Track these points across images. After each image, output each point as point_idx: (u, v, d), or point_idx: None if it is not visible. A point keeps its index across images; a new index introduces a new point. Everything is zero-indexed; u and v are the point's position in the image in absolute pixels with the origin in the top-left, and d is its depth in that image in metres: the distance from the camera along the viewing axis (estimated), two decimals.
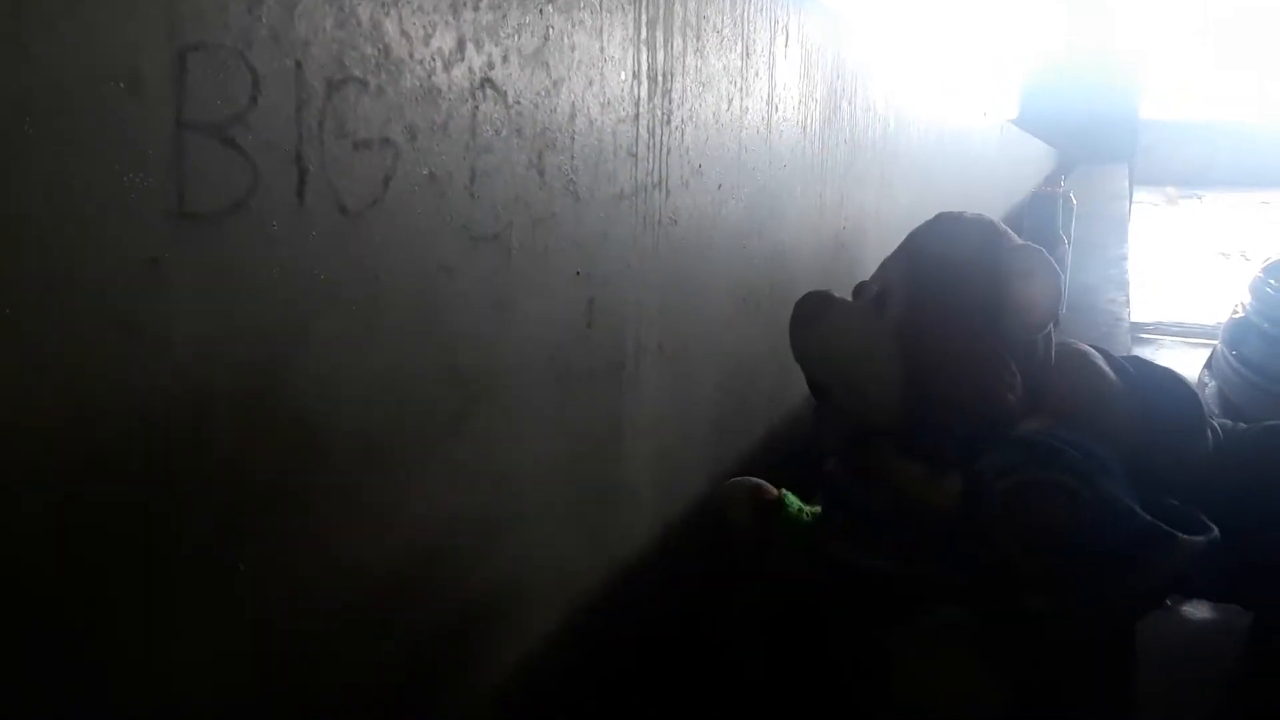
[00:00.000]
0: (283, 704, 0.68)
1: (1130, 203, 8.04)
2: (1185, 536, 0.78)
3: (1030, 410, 0.85)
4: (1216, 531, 0.81)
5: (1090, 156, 9.05)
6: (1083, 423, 0.84)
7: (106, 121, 0.50)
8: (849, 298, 0.98)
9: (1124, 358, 0.91)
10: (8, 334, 0.47)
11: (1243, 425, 0.99)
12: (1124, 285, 3.25)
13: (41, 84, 0.47)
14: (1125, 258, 3.93)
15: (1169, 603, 0.98)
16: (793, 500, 1.02)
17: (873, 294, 0.93)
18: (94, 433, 0.52)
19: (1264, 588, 0.96)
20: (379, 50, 0.67)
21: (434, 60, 0.73)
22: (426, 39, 0.72)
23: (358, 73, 0.66)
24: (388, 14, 0.68)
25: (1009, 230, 0.90)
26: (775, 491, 1.05)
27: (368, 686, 0.77)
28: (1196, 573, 0.79)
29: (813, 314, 0.94)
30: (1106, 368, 0.88)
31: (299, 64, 0.61)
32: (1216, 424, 0.97)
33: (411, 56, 0.70)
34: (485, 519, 0.88)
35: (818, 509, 0.99)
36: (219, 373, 0.59)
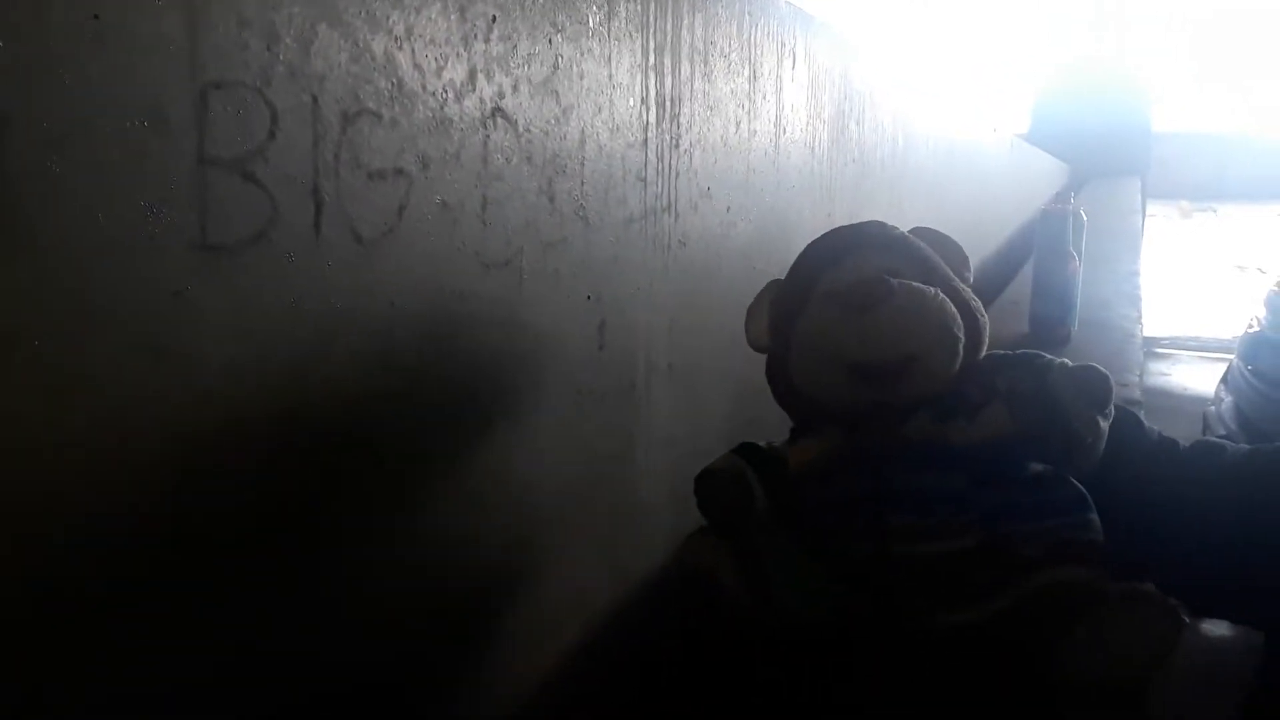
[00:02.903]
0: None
1: (1143, 217, 8.02)
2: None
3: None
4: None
5: (1102, 171, 9.03)
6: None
7: (131, 158, 0.52)
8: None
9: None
10: (37, 362, 0.49)
11: (1245, 447, 0.99)
12: (1136, 301, 3.24)
13: (70, 122, 0.49)
14: (1138, 273, 3.92)
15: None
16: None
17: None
18: (126, 453, 0.54)
19: (1274, 609, 0.96)
20: (393, 83, 0.69)
21: (446, 91, 0.75)
22: (439, 71, 0.74)
23: (372, 105, 0.68)
24: (401, 48, 0.70)
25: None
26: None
27: (382, 705, 0.78)
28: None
29: (883, 296, 0.90)
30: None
31: (315, 99, 0.63)
32: (1223, 443, 0.97)
33: (424, 88, 0.73)
34: (501, 536, 0.90)
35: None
36: (243, 396, 0.60)
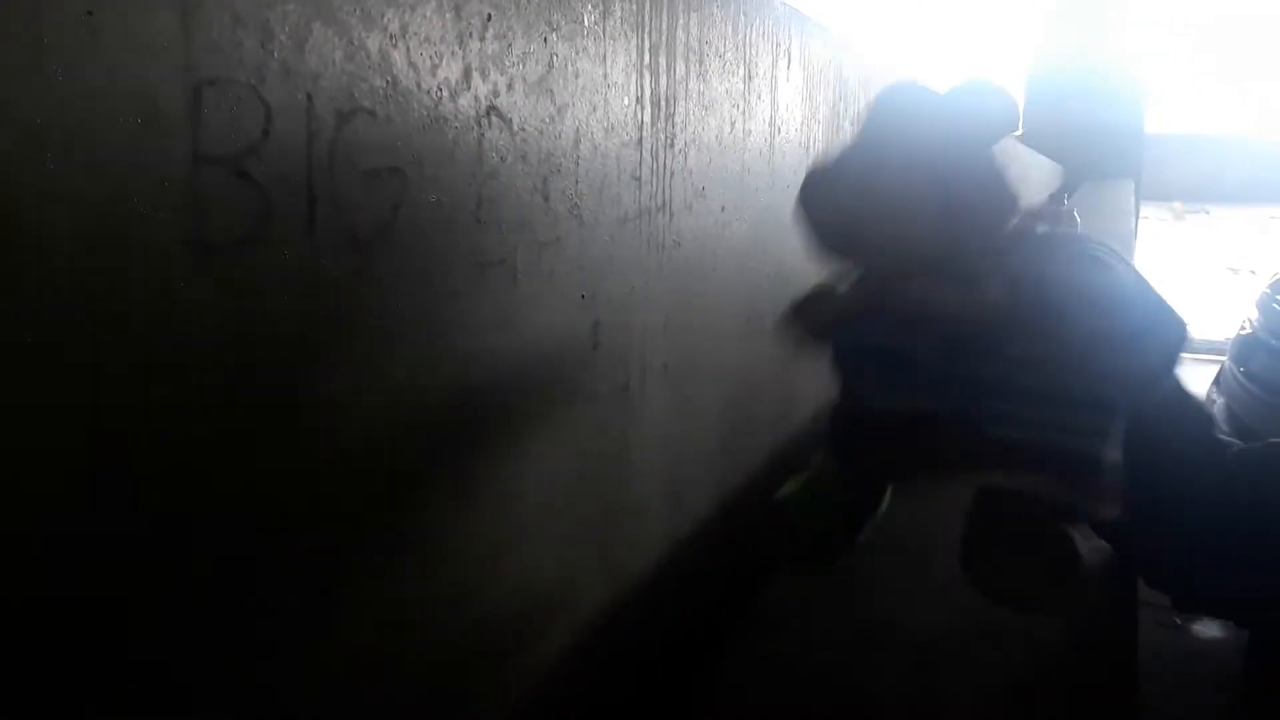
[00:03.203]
0: None
1: (1137, 219, 8.03)
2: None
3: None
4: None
5: (1096, 172, 9.05)
6: None
7: (125, 155, 0.52)
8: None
9: None
10: (29, 360, 0.48)
11: (1239, 444, 1.00)
12: None
13: (64, 119, 0.49)
14: None
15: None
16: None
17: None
18: (118, 450, 0.53)
19: (1262, 607, 0.96)
20: (387, 81, 0.69)
21: (441, 90, 0.75)
22: (434, 69, 0.74)
23: (367, 104, 0.68)
24: (396, 46, 0.70)
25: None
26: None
27: (370, 704, 0.78)
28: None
29: (835, 172, 0.87)
30: None
31: (310, 96, 0.63)
32: (1225, 439, 0.97)
33: (419, 87, 0.72)
34: (494, 536, 0.90)
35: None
36: (234, 395, 0.60)
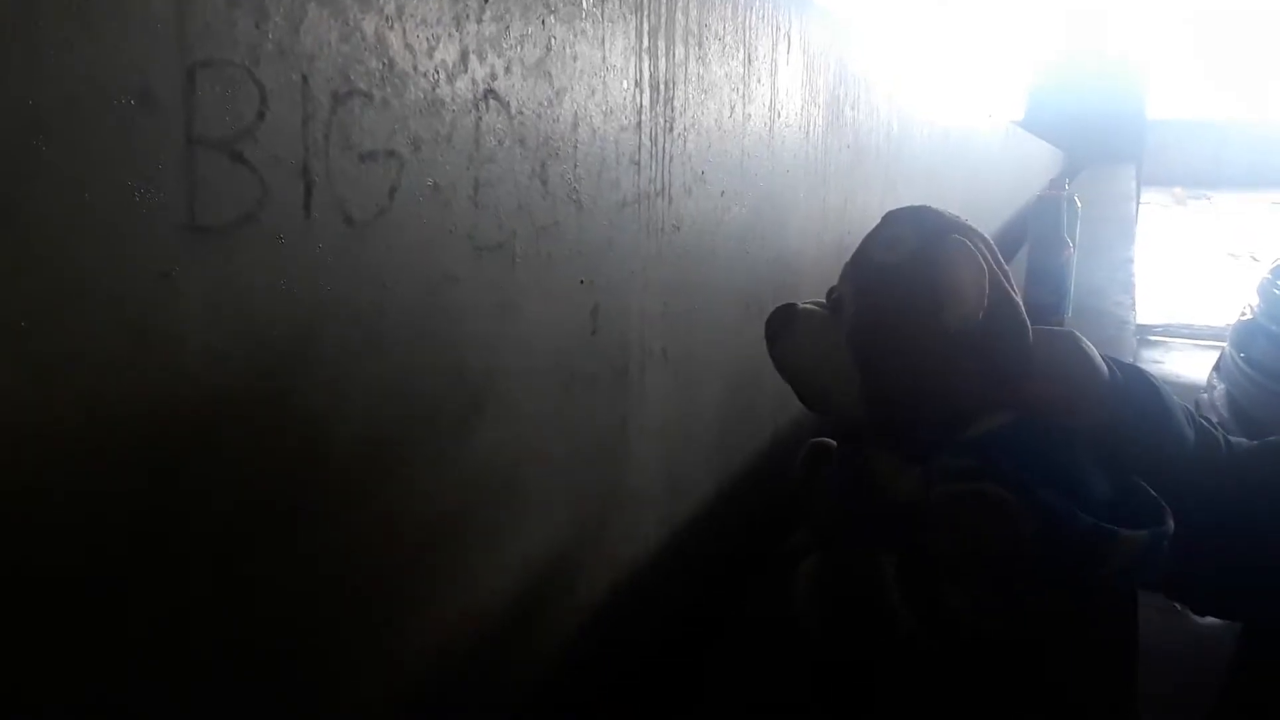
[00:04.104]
0: (285, 708, 0.69)
1: (1137, 204, 8.03)
2: (1127, 533, 0.77)
3: (1001, 401, 0.84)
4: (1170, 525, 0.80)
5: (1097, 157, 9.04)
6: (1060, 410, 0.84)
7: (119, 137, 0.51)
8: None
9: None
10: (22, 344, 0.48)
11: (1245, 441, 1.00)
12: (1130, 288, 3.24)
13: (56, 101, 0.48)
14: (1132, 260, 3.93)
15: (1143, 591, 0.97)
16: None
17: (831, 301, 0.94)
18: (111, 436, 0.53)
19: (1253, 600, 0.96)
20: (384, 64, 0.69)
21: (438, 72, 0.74)
22: (430, 51, 0.73)
23: (363, 86, 0.67)
24: (392, 28, 0.69)
25: (954, 218, 0.89)
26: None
27: (370, 693, 0.78)
28: (1151, 566, 0.79)
29: (779, 327, 0.96)
30: (1096, 354, 0.89)
31: (305, 78, 0.62)
32: (1220, 435, 0.97)
33: (415, 69, 0.72)
34: (491, 521, 0.90)
35: None
36: (230, 379, 0.60)
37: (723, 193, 1.32)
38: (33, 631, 0.51)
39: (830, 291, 0.98)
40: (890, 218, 0.93)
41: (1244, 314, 3.47)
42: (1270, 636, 1.03)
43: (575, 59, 0.92)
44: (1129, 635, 0.98)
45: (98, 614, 0.55)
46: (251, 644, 0.65)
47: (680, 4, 1.13)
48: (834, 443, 1.05)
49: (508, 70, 0.82)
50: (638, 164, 1.07)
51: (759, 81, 1.41)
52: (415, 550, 0.80)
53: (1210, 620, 1.21)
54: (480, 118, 0.80)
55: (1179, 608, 1.11)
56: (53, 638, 0.52)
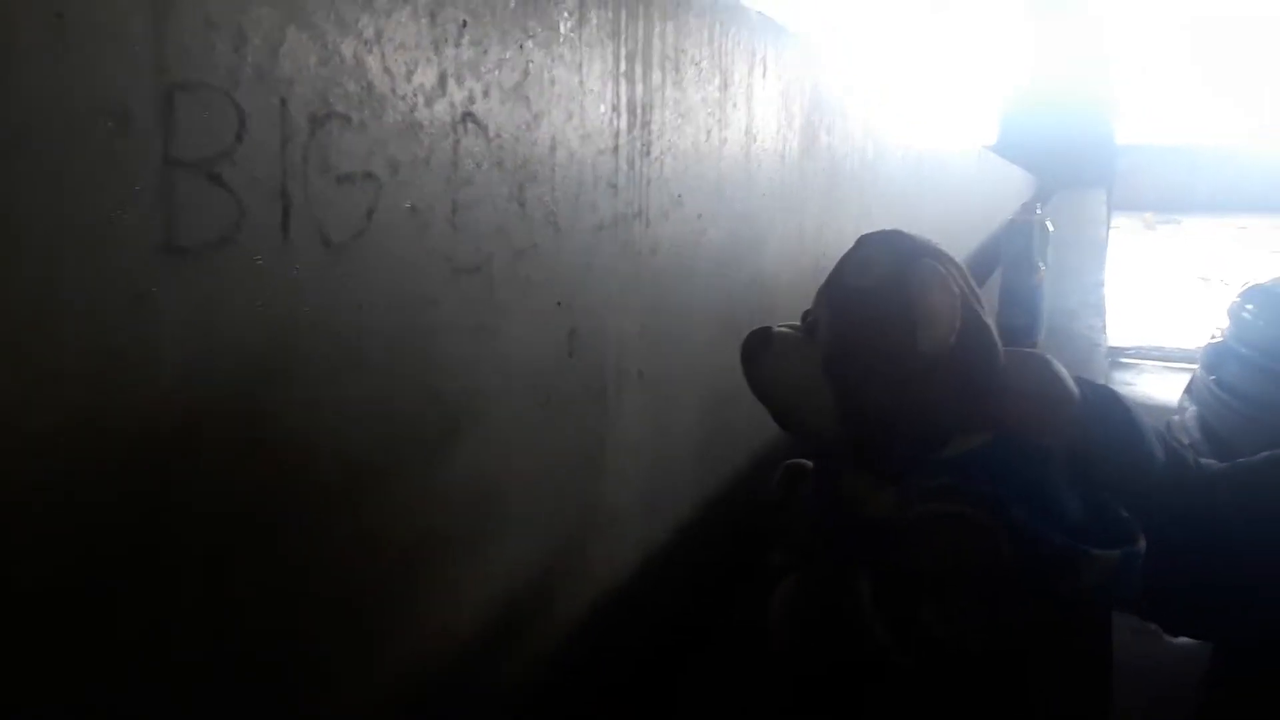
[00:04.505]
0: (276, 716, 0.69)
1: (1108, 228, 8.13)
2: (1098, 552, 0.78)
3: (976, 421, 0.86)
4: (1142, 544, 0.81)
5: (1069, 182, 9.14)
6: (1033, 430, 0.85)
7: (97, 159, 0.51)
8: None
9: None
10: (7, 354, 0.48)
11: (1215, 463, 1.01)
12: (1101, 311, 3.28)
13: (34, 121, 0.48)
14: (1103, 283, 3.97)
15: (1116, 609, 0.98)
16: None
17: (807, 324, 0.95)
18: (88, 456, 0.53)
19: (1224, 619, 0.98)
20: (362, 87, 0.69)
21: (416, 96, 0.75)
22: (409, 75, 0.74)
23: (341, 109, 0.67)
24: (370, 51, 0.70)
25: (926, 242, 0.91)
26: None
27: (351, 711, 0.77)
28: (1124, 585, 0.80)
29: (755, 349, 0.97)
30: (1067, 376, 0.90)
31: (284, 101, 0.63)
32: (1191, 456, 0.98)
33: (394, 92, 0.72)
34: (468, 541, 0.89)
35: None
36: (207, 400, 0.60)
37: (699, 216, 1.33)
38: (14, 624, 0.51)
39: (806, 314, 0.98)
40: (863, 241, 0.94)
41: (1214, 337, 3.52)
42: (1241, 655, 1.04)
43: (553, 83, 0.93)
44: (1103, 650, 0.99)
45: (74, 632, 0.54)
46: (230, 662, 0.65)
47: (657, 29, 1.14)
48: (810, 464, 1.06)
49: (486, 94, 0.83)
50: (615, 187, 1.08)
51: (735, 106, 1.42)
52: (392, 568, 0.80)
53: (1183, 640, 1.22)
54: (458, 141, 0.80)
55: (1152, 627, 1.12)
56: (29, 655, 0.52)
